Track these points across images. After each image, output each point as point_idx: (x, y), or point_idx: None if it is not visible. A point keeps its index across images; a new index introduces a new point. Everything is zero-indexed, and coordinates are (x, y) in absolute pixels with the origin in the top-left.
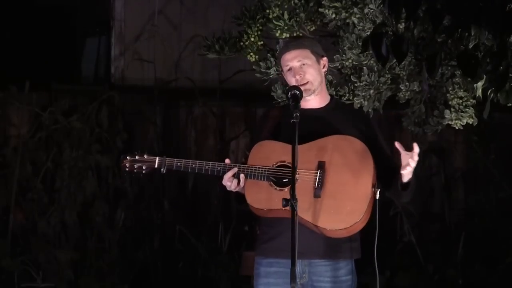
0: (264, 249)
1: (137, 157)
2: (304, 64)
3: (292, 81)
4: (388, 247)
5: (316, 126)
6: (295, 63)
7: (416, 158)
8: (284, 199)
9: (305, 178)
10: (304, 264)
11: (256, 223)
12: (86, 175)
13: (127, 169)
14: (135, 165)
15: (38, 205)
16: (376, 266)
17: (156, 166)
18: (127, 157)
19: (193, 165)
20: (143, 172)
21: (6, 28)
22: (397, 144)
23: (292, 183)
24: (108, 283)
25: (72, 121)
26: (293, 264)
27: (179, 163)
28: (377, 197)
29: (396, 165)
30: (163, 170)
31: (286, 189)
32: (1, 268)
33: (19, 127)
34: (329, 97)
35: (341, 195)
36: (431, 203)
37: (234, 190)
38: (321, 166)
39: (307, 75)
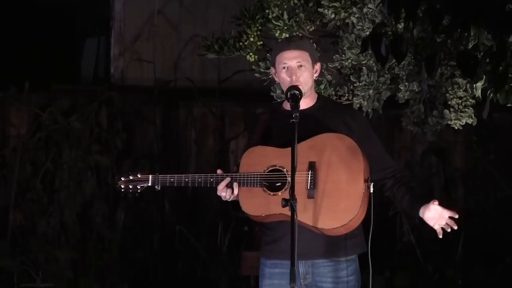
0: (268, 251)
1: (131, 177)
2: (301, 66)
3: (286, 80)
4: (387, 247)
5: (304, 127)
6: (294, 63)
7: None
8: (284, 199)
9: (297, 180)
10: (308, 265)
11: (255, 224)
12: (85, 175)
13: (122, 190)
14: (130, 185)
15: (38, 205)
16: (370, 261)
17: (150, 184)
18: (122, 178)
19: (186, 179)
20: (138, 191)
21: (5, 28)
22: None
23: (291, 183)
24: (107, 283)
25: (72, 121)
26: (292, 264)
27: (172, 179)
28: (371, 191)
29: (389, 165)
30: (158, 187)
31: (279, 193)
32: (0, 268)
33: (18, 127)
34: (316, 97)
35: (334, 193)
36: None
37: (229, 200)
38: (312, 166)
39: (301, 78)
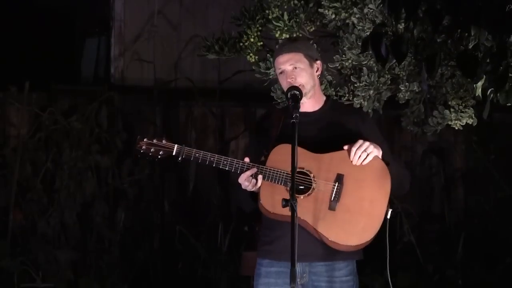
0: (265, 251)
1: (155, 141)
2: (296, 68)
3: (284, 84)
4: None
5: (311, 129)
6: (287, 67)
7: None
8: (284, 199)
9: (321, 188)
10: (305, 265)
11: (256, 223)
12: (85, 176)
13: (142, 151)
14: (151, 149)
15: (38, 205)
16: (389, 277)
17: (174, 153)
18: (144, 139)
19: (212, 158)
20: (159, 157)
21: (6, 28)
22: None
23: (292, 183)
24: (108, 283)
25: (72, 122)
26: (293, 265)
27: (197, 154)
28: (388, 217)
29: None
30: (180, 158)
31: (302, 196)
32: (0, 268)
33: (18, 127)
34: (324, 99)
35: (356, 210)
36: (430, 203)
37: (249, 190)
38: (339, 178)
39: (299, 79)
